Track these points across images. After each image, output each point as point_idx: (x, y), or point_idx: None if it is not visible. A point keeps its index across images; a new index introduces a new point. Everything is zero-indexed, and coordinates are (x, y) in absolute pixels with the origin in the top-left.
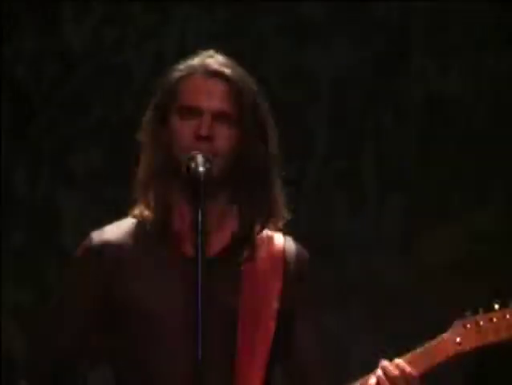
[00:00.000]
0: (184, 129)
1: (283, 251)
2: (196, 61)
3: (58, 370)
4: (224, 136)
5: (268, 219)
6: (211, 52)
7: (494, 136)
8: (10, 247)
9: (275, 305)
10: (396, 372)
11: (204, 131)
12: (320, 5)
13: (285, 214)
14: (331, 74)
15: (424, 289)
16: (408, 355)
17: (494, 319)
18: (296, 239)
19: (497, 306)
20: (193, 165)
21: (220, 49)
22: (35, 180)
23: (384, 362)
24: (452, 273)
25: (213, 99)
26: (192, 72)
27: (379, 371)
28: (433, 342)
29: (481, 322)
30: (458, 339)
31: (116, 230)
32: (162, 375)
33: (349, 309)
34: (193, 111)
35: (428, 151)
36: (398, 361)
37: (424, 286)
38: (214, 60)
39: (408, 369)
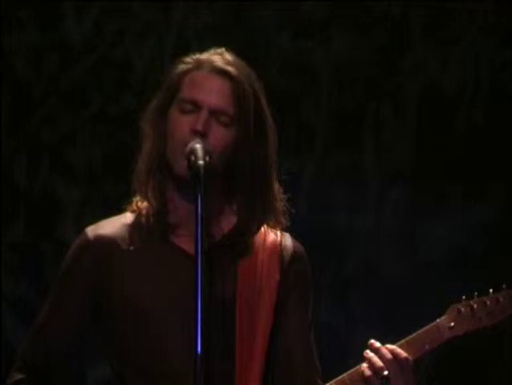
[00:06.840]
0: (182, 122)
1: (280, 246)
2: (203, 56)
3: (53, 364)
4: (219, 134)
5: (265, 217)
6: (221, 50)
7: (494, 128)
8: (9, 239)
9: (274, 297)
10: (388, 356)
11: (199, 126)
12: None
13: (284, 212)
14: (331, 66)
15: (423, 283)
16: (403, 340)
17: (488, 303)
18: (296, 233)
19: (491, 290)
20: (192, 158)
21: (219, 41)
22: (35, 173)
23: (376, 344)
24: (452, 265)
25: (213, 95)
26: (197, 67)
27: (370, 353)
28: (428, 327)
29: (475, 307)
30: (452, 324)
31: (112, 225)
32: (162, 368)
33: (348, 302)
34: (192, 105)
35: (428, 144)
36: (391, 346)
37: (424, 279)
38: (221, 58)
39: (401, 353)
